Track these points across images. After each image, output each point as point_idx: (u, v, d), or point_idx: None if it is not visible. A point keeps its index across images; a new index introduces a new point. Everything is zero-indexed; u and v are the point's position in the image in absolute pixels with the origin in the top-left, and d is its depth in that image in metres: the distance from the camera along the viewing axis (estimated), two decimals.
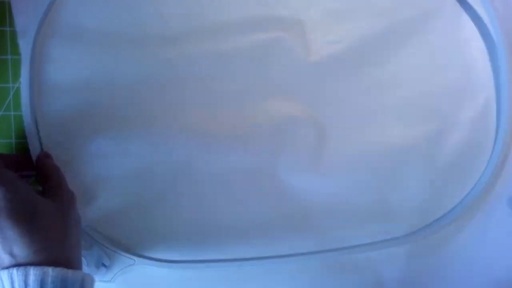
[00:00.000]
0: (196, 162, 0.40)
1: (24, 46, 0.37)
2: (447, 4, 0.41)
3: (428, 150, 0.42)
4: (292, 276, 0.42)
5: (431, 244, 0.43)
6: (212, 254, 0.41)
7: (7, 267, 0.30)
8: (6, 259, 0.30)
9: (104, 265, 0.39)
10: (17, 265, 0.30)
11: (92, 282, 0.33)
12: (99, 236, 0.40)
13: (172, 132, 0.40)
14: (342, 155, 0.42)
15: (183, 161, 0.40)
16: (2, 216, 0.30)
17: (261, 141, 0.41)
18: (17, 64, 0.38)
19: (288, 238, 0.42)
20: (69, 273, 0.31)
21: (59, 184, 0.35)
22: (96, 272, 0.39)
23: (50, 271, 0.30)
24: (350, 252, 0.42)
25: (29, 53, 0.37)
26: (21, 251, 0.30)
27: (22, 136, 0.39)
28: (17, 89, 0.39)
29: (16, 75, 0.39)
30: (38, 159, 0.37)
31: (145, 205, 0.40)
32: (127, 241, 0.41)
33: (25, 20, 0.38)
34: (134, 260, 0.40)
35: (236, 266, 0.41)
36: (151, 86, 0.40)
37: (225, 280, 0.42)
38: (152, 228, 0.41)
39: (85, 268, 0.38)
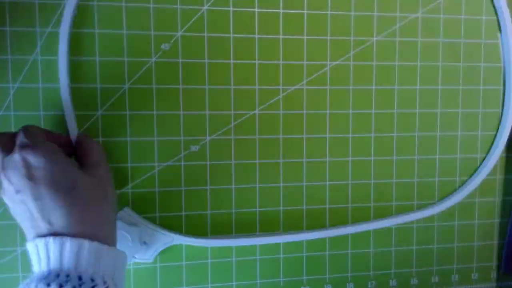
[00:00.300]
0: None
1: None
2: None
3: None
4: None
5: None
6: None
7: (44, 235, 0.30)
8: (44, 227, 0.30)
9: (145, 243, 0.40)
10: (54, 234, 0.30)
11: (124, 259, 0.33)
12: (138, 217, 0.40)
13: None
14: None
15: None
16: (42, 185, 0.30)
17: None
18: (17, 64, 0.38)
19: None
20: (104, 248, 0.31)
21: (98, 161, 0.35)
22: (140, 248, 0.39)
23: (87, 244, 0.30)
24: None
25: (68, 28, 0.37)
26: (59, 220, 0.30)
27: None
28: (17, 88, 0.39)
29: (16, 75, 0.39)
30: (79, 136, 0.37)
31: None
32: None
33: None
34: (172, 237, 0.40)
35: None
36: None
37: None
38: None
39: (129, 244, 0.38)
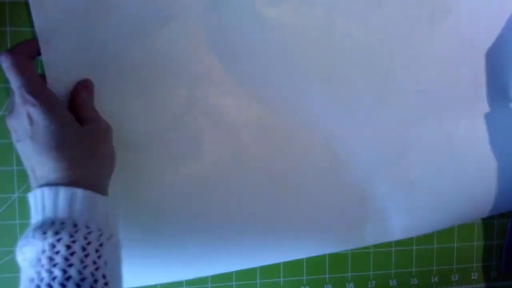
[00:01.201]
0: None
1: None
2: None
3: None
4: None
5: None
6: None
7: (41, 185, 0.31)
8: (40, 178, 0.31)
9: None
10: (49, 184, 0.31)
11: (118, 208, 0.34)
12: None
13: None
14: None
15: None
16: (39, 140, 0.31)
17: None
18: None
19: None
20: (98, 196, 0.31)
21: (94, 117, 0.35)
22: None
23: (80, 192, 0.31)
24: None
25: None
26: (53, 172, 0.31)
27: None
28: None
29: None
30: (76, 86, 0.36)
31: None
32: None
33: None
34: None
35: None
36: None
37: None
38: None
39: None
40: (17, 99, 0.32)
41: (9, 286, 0.40)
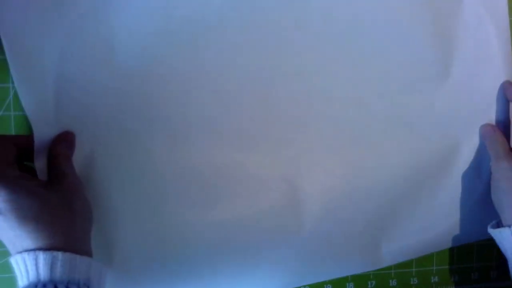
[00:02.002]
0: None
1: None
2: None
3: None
4: None
5: None
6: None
7: (20, 252, 0.32)
8: (19, 246, 0.32)
9: None
10: (28, 250, 0.31)
11: (100, 268, 0.34)
12: None
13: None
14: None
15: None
16: (9, 217, 0.31)
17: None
18: None
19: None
20: (77, 257, 0.32)
21: (63, 173, 0.35)
22: None
23: (60, 255, 0.31)
24: None
25: None
26: (31, 241, 0.32)
27: None
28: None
29: None
30: (47, 150, 0.37)
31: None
32: None
33: None
34: None
35: None
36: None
37: None
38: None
39: None
40: None
41: (9, 286, 0.40)
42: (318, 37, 0.41)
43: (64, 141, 0.37)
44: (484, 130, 0.44)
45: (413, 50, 0.42)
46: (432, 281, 0.48)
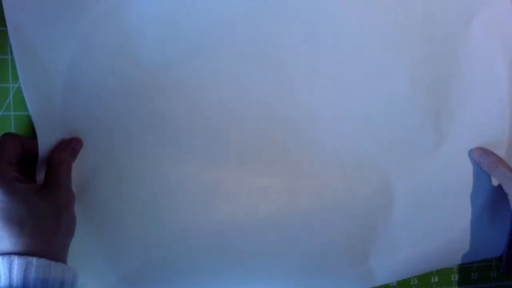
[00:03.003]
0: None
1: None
2: None
3: None
4: None
5: None
6: None
7: None
8: None
9: None
10: (3, 253, 0.31)
11: (74, 276, 0.34)
12: None
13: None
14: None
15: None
16: None
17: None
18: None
19: None
20: (52, 263, 0.32)
21: (59, 184, 0.35)
22: None
23: (34, 261, 0.31)
24: None
25: None
26: (10, 244, 0.31)
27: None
28: (17, 88, 0.39)
29: (16, 75, 0.38)
30: (51, 152, 0.37)
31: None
32: None
33: None
34: None
35: None
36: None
37: None
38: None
39: None
40: None
41: None
42: (325, 51, 0.41)
43: (69, 148, 0.37)
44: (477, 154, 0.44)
45: (419, 67, 0.42)
46: (432, 281, 0.48)
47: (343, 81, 0.42)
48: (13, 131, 0.39)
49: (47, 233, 0.33)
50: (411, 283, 0.47)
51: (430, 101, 0.43)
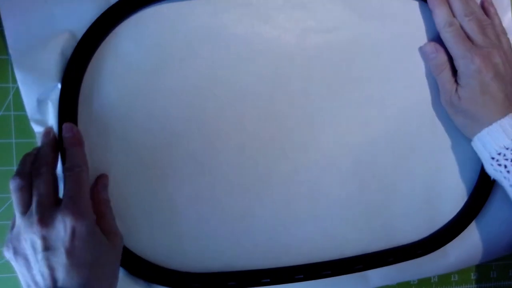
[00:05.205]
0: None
1: None
2: None
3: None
4: None
5: None
6: None
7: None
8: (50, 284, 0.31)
9: None
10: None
11: None
12: None
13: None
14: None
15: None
16: (76, 255, 0.31)
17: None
18: None
19: None
20: None
21: (113, 230, 0.35)
22: None
23: None
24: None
25: None
26: (62, 281, 0.31)
27: (22, 136, 0.39)
28: (17, 88, 0.39)
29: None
30: (98, 197, 0.36)
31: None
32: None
33: None
34: None
35: None
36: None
37: None
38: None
39: None
40: (63, 207, 0.31)
41: (9, 286, 0.40)
42: (321, 54, 0.41)
43: (105, 187, 0.37)
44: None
45: (416, 70, 0.43)
46: (432, 281, 0.48)
47: (339, 84, 0.42)
48: (13, 131, 0.39)
49: (110, 278, 0.33)
50: (411, 283, 0.47)
51: (427, 104, 0.43)
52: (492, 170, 0.40)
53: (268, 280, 0.41)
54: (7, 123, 0.39)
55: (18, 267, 0.32)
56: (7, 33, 0.36)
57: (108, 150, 0.39)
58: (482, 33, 0.39)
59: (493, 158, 0.39)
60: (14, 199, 0.32)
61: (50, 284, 0.30)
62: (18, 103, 0.39)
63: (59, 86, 0.37)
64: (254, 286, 0.41)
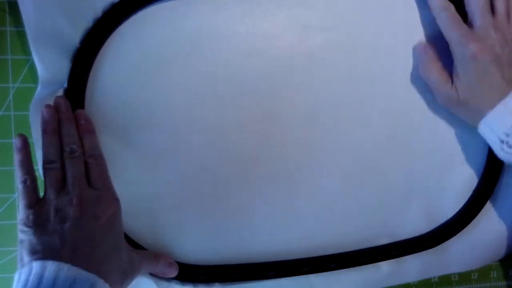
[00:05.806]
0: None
1: None
2: None
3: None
4: None
5: None
6: None
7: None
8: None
9: None
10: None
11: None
12: None
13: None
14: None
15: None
16: (108, 229, 0.34)
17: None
18: (17, 64, 0.38)
19: None
20: (84, 273, 0.31)
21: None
22: None
23: (66, 267, 0.30)
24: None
25: None
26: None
27: None
28: (17, 88, 0.39)
29: (16, 75, 0.39)
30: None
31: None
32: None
33: None
34: None
35: None
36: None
37: None
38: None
39: None
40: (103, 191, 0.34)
41: (9, 286, 0.40)
42: (322, 52, 0.41)
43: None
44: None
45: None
46: (432, 281, 0.48)
47: (340, 81, 0.42)
48: (13, 131, 0.39)
49: (119, 264, 0.34)
50: (411, 283, 0.47)
51: (428, 101, 0.43)
52: (504, 154, 0.39)
53: (273, 273, 0.41)
54: (7, 123, 0.39)
55: (27, 235, 0.32)
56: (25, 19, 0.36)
57: (110, 149, 0.39)
58: (482, 16, 0.38)
59: (502, 142, 0.38)
60: (47, 178, 0.34)
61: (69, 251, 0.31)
62: (18, 103, 0.39)
63: (65, 85, 0.37)
64: (259, 279, 0.42)
